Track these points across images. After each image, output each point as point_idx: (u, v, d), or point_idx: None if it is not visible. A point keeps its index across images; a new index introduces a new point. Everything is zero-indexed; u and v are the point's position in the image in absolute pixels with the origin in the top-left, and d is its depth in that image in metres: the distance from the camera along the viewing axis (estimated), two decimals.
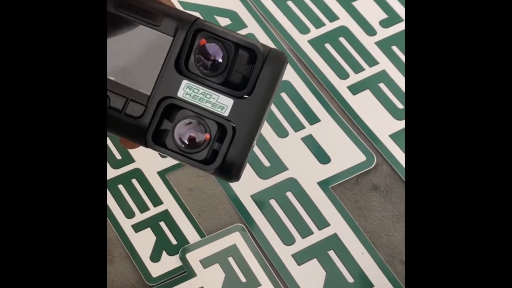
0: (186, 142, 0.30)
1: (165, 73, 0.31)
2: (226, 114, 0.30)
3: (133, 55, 0.31)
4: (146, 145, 0.31)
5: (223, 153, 0.30)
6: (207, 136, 0.30)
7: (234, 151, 0.30)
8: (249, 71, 0.30)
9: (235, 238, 0.52)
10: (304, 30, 0.60)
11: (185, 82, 0.31)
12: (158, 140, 0.31)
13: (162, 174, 0.54)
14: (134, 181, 0.54)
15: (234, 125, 0.30)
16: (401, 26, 0.60)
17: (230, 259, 0.51)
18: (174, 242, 0.52)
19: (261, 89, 0.30)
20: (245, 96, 0.30)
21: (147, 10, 0.31)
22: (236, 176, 0.31)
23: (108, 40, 0.31)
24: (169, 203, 0.53)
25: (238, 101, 0.30)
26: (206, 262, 0.51)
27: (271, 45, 0.59)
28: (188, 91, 0.31)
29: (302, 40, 0.60)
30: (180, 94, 0.31)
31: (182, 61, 0.31)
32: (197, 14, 0.41)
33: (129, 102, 0.31)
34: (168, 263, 0.51)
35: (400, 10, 0.61)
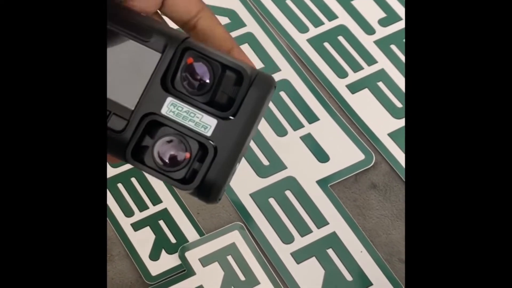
0: (166, 160, 0.30)
1: (150, 89, 0.30)
2: (209, 134, 0.30)
3: (119, 69, 0.31)
4: (125, 160, 0.31)
5: (202, 173, 0.30)
6: (187, 155, 0.30)
7: (214, 172, 0.30)
8: (234, 92, 0.30)
9: (234, 237, 0.52)
10: (303, 29, 0.60)
11: (169, 99, 0.30)
12: (137, 156, 0.30)
13: None
14: (133, 179, 0.54)
15: (215, 145, 0.30)
16: (400, 25, 0.60)
17: (229, 258, 0.51)
18: (173, 240, 0.52)
19: (246, 111, 0.30)
20: (230, 117, 0.30)
21: (137, 25, 0.31)
22: (214, 199, 0.31)
23: None
24: (168, 202, 0.53)
25: (222, 122, 0.30)
26: (205, 261, 0.51)
27: (270, 45, 0.59)
28: (172, 108, 0.30)
29: (301, 39, 0.60)
30: (164, 111, 0.30)
31: (169, 78, 0.30)
32: None
33: (111, 115, 0.30)
34: (167, 261, 0.51)
35: (399, 9, 0.61)
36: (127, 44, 0.31)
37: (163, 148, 0.30)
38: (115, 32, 0.31)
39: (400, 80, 0.58)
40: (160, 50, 0.30)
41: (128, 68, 0.31)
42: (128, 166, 0.55)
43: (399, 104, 0.57)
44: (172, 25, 0.35)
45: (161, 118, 0.30)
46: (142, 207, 0.53)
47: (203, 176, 0.30)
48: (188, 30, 0.35)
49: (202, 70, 0.30)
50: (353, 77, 0.58)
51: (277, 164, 0.55)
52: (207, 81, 0.30)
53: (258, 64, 0.59)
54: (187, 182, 0.30)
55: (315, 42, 0.60)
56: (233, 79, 0.30)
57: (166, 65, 0.30)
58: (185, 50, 0.30)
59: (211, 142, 0.30)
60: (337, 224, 0.53)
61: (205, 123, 0.30)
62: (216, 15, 0.35)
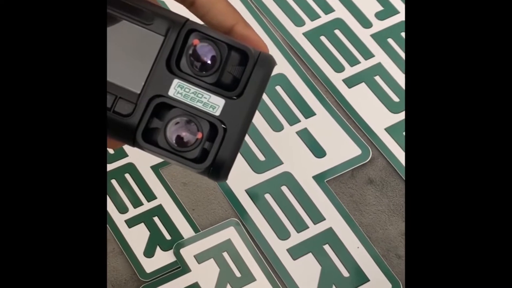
0: (178, 140, 0.30)
1: (156, 72, 0.31)
2: (217, 113, 0.30)
3: (122, 53, 0.31)
4: (134, 144, 0.31)
5: (214, 152, 0.30)
6: (200, 134, 0.30)
7: (225, 150, 0.30)
8: (239, 72, 0.31)
9: (230, 233, 0.52)
10: (299, 22, 0.60)
11: (176, 81, 0.31)
12: (148, 139, 0.31)
13: (156, 168, 0.54)
14: (127, 175, 0.54)
15: (225, 125, 0.31)
16: (397, 18, 0.60)
17: (225, 254, 0.51)
18: (168, 237, 0.52)
19: (251, 90, 0.31)
20: (235, 97, 0.31)
21: (138, 8, 0.31)
22: (225, 176, 0.31)
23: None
24: (163, 198, 0.53)
25: (230, 101, 0.31)
26: (201, 257, 0.51)
27: (266, 38, 0.59)
28: (179, 90, 0.30)
29: (297, 33, 0.59)
30: (171, 93, 0.30)
31: (173, 61, 0.31)
32: None
33: (118, 99, 0.30)
34: (162, 258, 0.51)
35: (396, 2, 0.60)
36: (129, 27, 0.31)
37: (175, 129, 0.30)
38: (116, 16, 0.31)
39: (397, 74, 0.57)
40: (163, 33, 0.31)
41: (131, 52, 0.31)
42: (121, 162, 0.54)
43: (396, 99, 0.57)
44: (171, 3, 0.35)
45: (169, 100, 0.30)
46: (137, 203, 0.53)
47: (215, 155, 0.30)
48: (187, 6, 0.34)
49: (209, 50, 0.31)
50: (349, 71, 0.58)
51: (273, 160, 0.54)
52: (214, 61, 0.31)
53: None
54: (199, 161, 0.31)
55: (311, 36, 0.59)
56: (237, 59, 0.31)
57: (170, 48, 0.31)
58: (190, 32, 0.31)
59: (221, 122, 0.30)
60: (333, 219, 0.52)
61: (213, 103, 0.31)
62: None
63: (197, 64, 0.31)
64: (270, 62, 0.31)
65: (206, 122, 0.30)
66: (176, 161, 0.31)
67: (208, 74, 0.31)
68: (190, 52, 0.31)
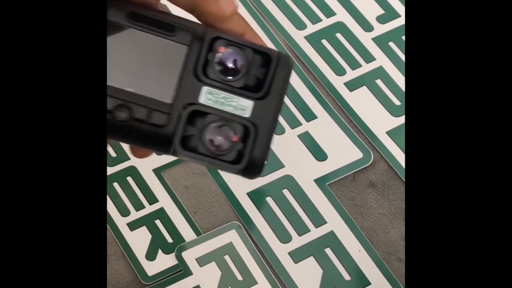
0: (215, 145, 0.32)
1: (185, 81, 0.32)
2: (247, 115, 0.32)
3: (149, 66, 0.32)
4: (172, 153, 0.32)
5: (248, 152, 0.32)
6: (235, 138, 0.32)
7: (258, 150, 0.32)
8: (263, 73, 0.32)
9: (232, 236, 0.52)
10: (300, 25, 0.60)
11: (205, 88, 0.32)
12: (185, 146, 0.32)
13: (158, 171, 0.54)
14: (129, 178, 0.54)
15: (256, 125, 0.32)
16: (398, 22, 0.60)
17: (227, 257, 0.51)
18: (169, 240, 0.52)
19: (276, 90, 0.32)
20: (262, 97, 0.32)
21: (159, 21, 0.32)
22: (259, 174, 0.33)
23: (123, 52, 0.32)
24: (165, 201, 0.53)
25: (258, 103, 0.32)
26: (202, 260, 0.51)
27: (268, 42, 0.59)
28: (209, 96, 0.32)
29: (299, 36, 0.59)
30: (202, 100, 0.32)
31: (200, 69, 0.32)
32: None
33: (152, 111, 0.32)
34: (164, 261, 0.51)
35: (397, 6, 0.61)
36: (153, 41, 0.32)
37: (212, 134, 0.32)
38: (139, 30, 0.32)
39: (398, 78, 0.57)
40: (187, 42, 0.32)
41: (158, 64, 0.32)
42: (123, 165, 0.54)
43: (397, 102, 0.57)
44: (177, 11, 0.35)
45: (202, 107, 0.32)
46: (138, 206, 0.53)
47: (249, 155, 0.32)
48: (197, 16, 0.35)
49: (236, 57, 0.32)
50: (351, 74, 0.58)
51: (274, 163, 0.54)
52: (241, 66, 0.32)
53: None
54: (236, 162, 0.32)
55: (313, 39, 0.59)
56: (260, 61, 0.32)
57: (196, 56, 0.32)
58: (214, 39, 0.32)
59: (252, 123, 0.32)
60: (335, 223, 0.52)
61: (242, 106, 0.32)
62: None
63: (224, 70, 0.32)
64: (290, 61, 0.33)
65: (239, 125, 0.32)
66: (214, 165, 0.32)
67: (235, 79, 0.32)
68: (217, 59, 0.32)
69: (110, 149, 0.55)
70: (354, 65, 0.58)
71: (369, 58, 0.58)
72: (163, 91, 0.32)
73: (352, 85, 0.57)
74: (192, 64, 0.32)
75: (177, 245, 0.51)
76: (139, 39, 0.32)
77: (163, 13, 0.33)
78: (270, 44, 0.59)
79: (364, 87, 0.57)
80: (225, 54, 0.32)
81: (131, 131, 0.32)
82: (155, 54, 0.32)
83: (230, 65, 0.32)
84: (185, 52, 0.32)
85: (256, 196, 0.53)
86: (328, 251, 0.51)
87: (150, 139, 0.32)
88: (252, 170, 0.32)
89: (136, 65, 0.32)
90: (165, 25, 0.32)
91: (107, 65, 0.31)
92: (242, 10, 0.60)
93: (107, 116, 0.31)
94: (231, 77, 0.32)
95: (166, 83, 0.32)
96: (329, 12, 0.60)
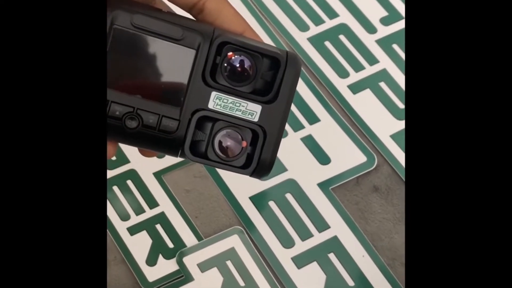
0: (225, 151, 0.32)
1: (193, 86, 0.32)
2: (256, 119, 0.32)
3: (158, 71, 0.32)
4: (179, 156, 0.33)
5: (257, 156, 0.33)
6: (244, 143, 0.32)
7: (267, 153, 0.33)
8: (270, 76, 0.32)
9: (234, 241, 0.51)
10: (303, 27, 0.59)
11: (214, 94, 0.32)
12: (195, 151, 0.32)
13: (158, 175, 0.53)
14: (129, 182, 0.53)
15: (265, 129, 0.32)
16: (402, 24, 0.59)
17: (229, 263, 0.50)
18: (170, 245, 0.51)
19: (285, 92, 0.33)
20: (270, 101, 0.32)
21: (166, 25, 0.32)
22: (267, 175, 0.34)
23: (131, 59, 0.32)
24: (166, 205, 0.52)
25: (266, 106, 0.32)
26: (204, 266, 0.50)
27: (270, 43, 0.58)
28: (218, 101, 0.32)
29: (301, 38, 0.59)
30: (211, 105, 0.32)
31: (208, 74, 0.32)
32: None
33: (161, 118, 0.32)
34: (165, 267, 0.50)
35: (401, 8, 0.60)
36: (161, 45, 0.32)
37: (222, 141, 0.32)
38: (146, 36, 0.32)
39: (402, 81, 0.57)
40: (195, 47, 0.32)
41: (166, 69, 0.32)
42: (123, 168, 0.53)
43: (401, 105, 0.56)
44: (176, 9, 0.35)
45: (210, 112, 0.32)
46: (139, 210, 0.52)
47: (258, 158, 0.33)
48: (195, 14, 0.34)
49: (245, 62, 0.32)
50: (354, 77, 0.57)
51: (277, 166, 0.54)
52: (250, 72, 0.32)
53: None
54: (245, 166, 0.33)
55: (316, 41, 0.59)
56: (268, 64, 0.33)
57: (204, 61, 0.32)
58: (221, 44, 0.32)
59: (261, 127, 0.32)
60: (338, 228, 0.52)
61: (251, 110, 0.32)
62: None
63: (233, 75, 0.32)
64: (298, 62, 0.33)
65: (248, 130, 0.32)
66: (226, 170, 0.33)
67: (244, 84, 0.32)
68: (226, 65, 0.32)
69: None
70: (358, 67, 0.58)
71: (372, 60, 0.58)
72: (173, 96, 0.32)
73: (355, 88, 0.57)
74: (201, 68, 0.32)
75: (178, 250, 0.50)
76: (149, 46, 0.32)
77: (167, 14, 0.32)
78: None
79: (368, 90, 0.57)
80: (234, 60, 0.32)
81: (140, 137, 0.32)
82: (165, 59, 0.32)
83: (239, 71, 0.32)
84: (193, 56, 0.32)
85: (259, 201, 0.52)
86: (331, 256, 0.51)
87: (159, 144, 0.32)
88: (260, 172, 0.33)
89: (145, 72, 0.32)
90: (172, 29, 0.32)
91: (115, 72, 0.31)
92: (244, 12, 0.60)
93: (117, 124, 0.31)
94: (239, 82, 0.32)
95: (175, 88, 0.32)
96: (332, 14, 0.60)
